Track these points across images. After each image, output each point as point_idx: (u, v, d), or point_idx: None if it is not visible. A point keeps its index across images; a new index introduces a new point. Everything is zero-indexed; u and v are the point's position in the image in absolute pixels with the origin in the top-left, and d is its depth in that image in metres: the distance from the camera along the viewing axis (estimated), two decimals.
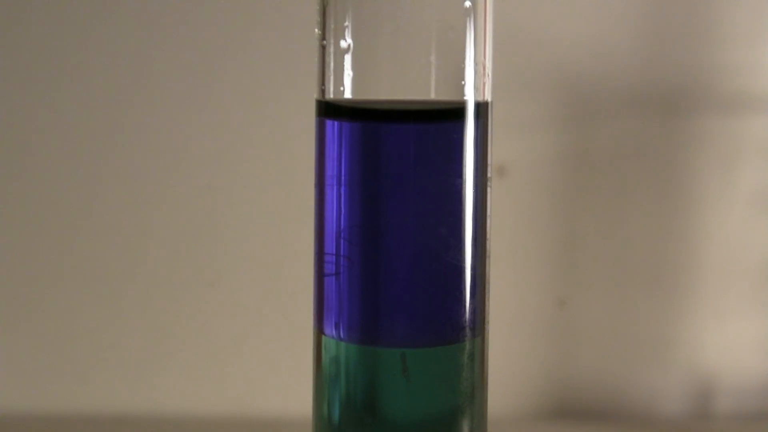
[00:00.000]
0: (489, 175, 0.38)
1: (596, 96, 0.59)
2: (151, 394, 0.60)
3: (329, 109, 0.38)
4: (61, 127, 0.59)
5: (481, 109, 0.38)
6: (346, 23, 0.37)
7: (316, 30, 0.38)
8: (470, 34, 0.37)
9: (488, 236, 0.39)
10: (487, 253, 0.39)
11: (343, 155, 0.37)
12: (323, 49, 0.37)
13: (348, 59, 0.37)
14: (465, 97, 0.37)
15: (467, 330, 0.38)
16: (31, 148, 0.59)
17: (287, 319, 0.59)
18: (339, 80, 0.37)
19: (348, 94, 0.37)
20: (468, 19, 0.37)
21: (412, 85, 0.37)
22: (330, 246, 0.38)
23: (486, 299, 0.39)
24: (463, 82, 0.37)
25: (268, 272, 0.60)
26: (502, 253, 0.49)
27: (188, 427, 0.59)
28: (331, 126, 0.38)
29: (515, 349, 0.60)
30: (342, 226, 0.37)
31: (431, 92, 0.37)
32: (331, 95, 0.37)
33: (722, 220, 0.60)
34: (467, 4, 0.37)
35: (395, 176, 0.37)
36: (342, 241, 0.37)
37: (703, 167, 0.59)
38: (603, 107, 0.59)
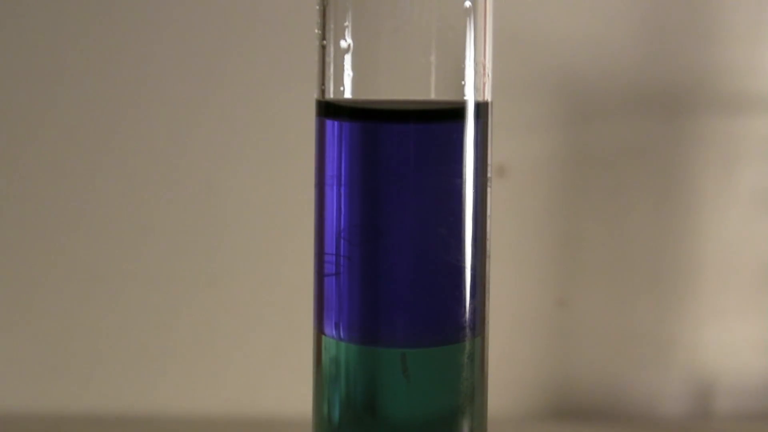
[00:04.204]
0: (489, 175, 0.38)
1: (596, 96, 0.59)
2: (151, 394, 0.60)
3: (329, 109, 0.38)
4: (60, 126, 0.59)
5: (481, 109, 0.38)
6: (346, 23, 0.37)
7: (316, 30, 0.38)
8: (470, 34, 0.37)
9: (488, 236, 0.39)
10: (487, 253, 0.39)
11: (343, 155, 0.37)
12: (323, 49, 0.37)
13: (348, 59, 0.37)
14: (465, 97, 0.37)
15: (467, 330, 0.38)
16: (30, 147, 0.59)
17: (287, 319, 0.59)
18: (339, 80, 0.37)
19: (348, 94, 0.37)
20: (468, 19, 0.37)
21: (412, 85, 0.37)
22: (330, 246, 0.38)
23: (486, 299, 0.39)
24: (463, 82, 0.37)
25: (268, 272, 0.60)
26: (502, 253, 0.49)
27: (188, 427, 0.59)
28: (331, 126, 0.38)
29: (515, 349, 0.60)
30: (342, 226, 0.37)
31: (431, 92, 0.37)
32: (331, 95, 0.37)
33: (722, 220, 0.60)
34: (467, 4, 0.37)
35: (395, 176, 0.37)
36: (342, 241, 0.37)
37: (703, 167, 0.59)
38: (603, 107, 0.59)
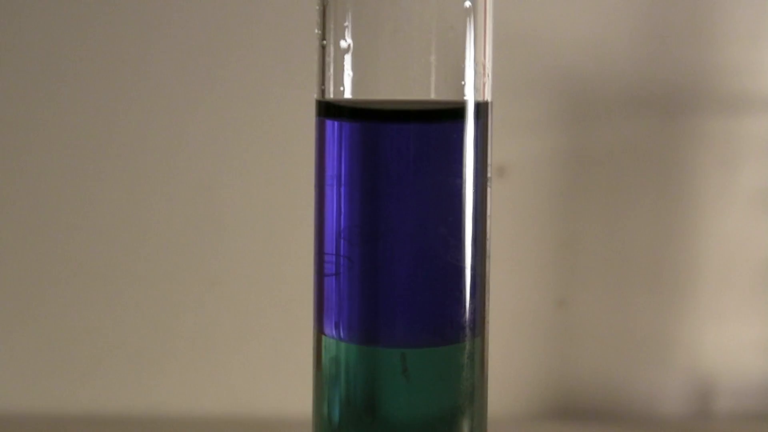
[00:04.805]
0: (489, 175, 0.38)
1: (596, 96, 0.59)
2: (151, 394, 0.60)
3: (329, 109, 0.38)
4: (60, 127, 0.59)
5: (481, 109, 0.38)
6: (346, 23, 0.37)
7: (316, 30, 0.38)
8: (470, 34, 0.37)
9: (488, 236, 0.39)
10: (487, 253, 0.39)
11: (343, 155, 0.37)
12: (323, 49, 0.37)
13: (348, 59, 0.37)
14: (465, 97, 0.37)
15: (467, 330, 0.38)
16: (30, 147, 0.59)
17: (287, 319, 0.59)
18: (339, 80, 0.37)
19: (348, 94, 0.37)
20: (468, 19, 0.37)
21: (412, 85, 0.37)
22: (330, 246, 0.38)
23: (486, 299, 0.39)
24: (463, 82, 0.37)
25: (268, 272, 0.60)
26: (502, 253, 0.49)
27: (188, 427, 0.59)
28: (331, 126, 0.38)
29: (515, 349, 0.60)
30: (342, 226, 0.37)
31: (431, 92, 0.37)
32: (331, 95, 0.37)
33: (722, 220, 0.60)
34: (467, 4, 0.37)
35: (395, 176, 0.37)
36: (342, 241, 0.37)
37: (703, 167, 0.59)
38: (603, 107, 0.59)
